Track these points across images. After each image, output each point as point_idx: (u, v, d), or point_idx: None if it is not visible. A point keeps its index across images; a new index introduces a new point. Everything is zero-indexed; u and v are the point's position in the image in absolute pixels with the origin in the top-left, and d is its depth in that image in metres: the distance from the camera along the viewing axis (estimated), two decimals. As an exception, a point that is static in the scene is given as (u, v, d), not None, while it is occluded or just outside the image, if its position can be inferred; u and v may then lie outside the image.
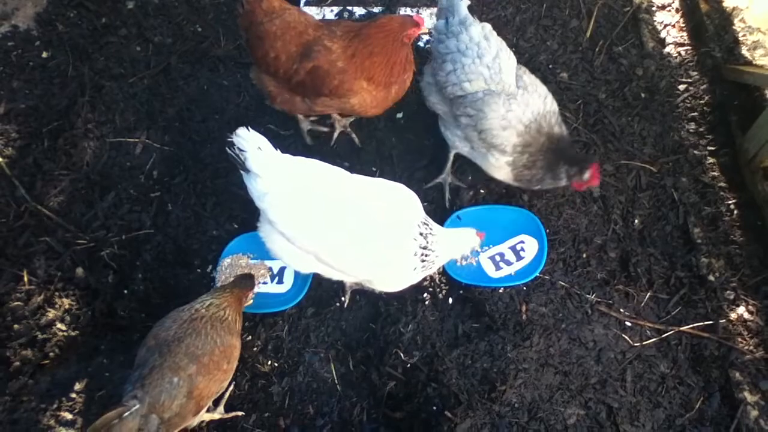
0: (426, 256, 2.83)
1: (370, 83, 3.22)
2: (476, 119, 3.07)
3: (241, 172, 2.73)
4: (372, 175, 3.47)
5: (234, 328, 2.77)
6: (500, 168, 3.20)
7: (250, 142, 2.64)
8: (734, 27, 4.15)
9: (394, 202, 2.85)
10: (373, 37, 3.14)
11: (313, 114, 3.52)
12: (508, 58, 3.10)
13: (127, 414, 2.35)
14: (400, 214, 2.82)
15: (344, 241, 2.74)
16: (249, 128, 2.67)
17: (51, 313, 3.24)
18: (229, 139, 2.67)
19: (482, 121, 3.05)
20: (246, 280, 3.00)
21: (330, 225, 2.72)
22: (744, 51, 4.03)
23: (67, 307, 3.28)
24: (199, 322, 2.66)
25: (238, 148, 2.64)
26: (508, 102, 3.01)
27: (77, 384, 3.05)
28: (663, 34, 4.26)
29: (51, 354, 3.13)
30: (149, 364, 2.50)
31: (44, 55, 4.24)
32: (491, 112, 3.01)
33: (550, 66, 4.05)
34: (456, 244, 2.95)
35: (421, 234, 2.80)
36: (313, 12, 4.10)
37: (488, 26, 3.15)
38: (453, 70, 3.08)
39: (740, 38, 4.08)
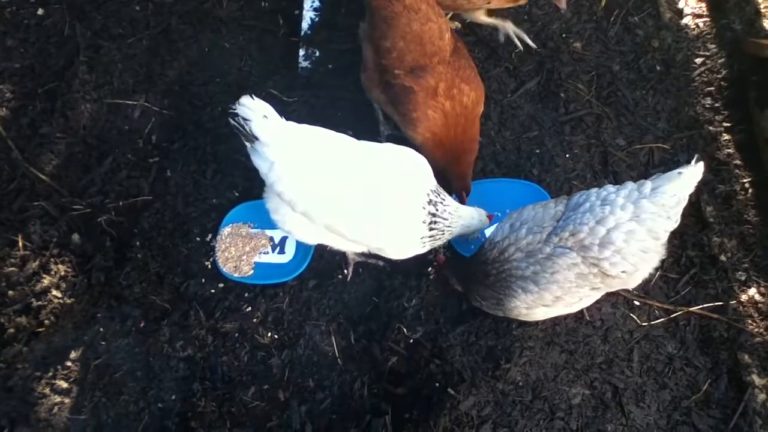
0: (435, 224, 2.77)
1: (433, 138, 3.09)
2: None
3: (246, 143, 2.63)
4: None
5: None
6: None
7: (255, 111, 2.54)
8: (756, -2, 3.99)
9: (404, 167, 2.79)
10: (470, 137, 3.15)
11: (378, 104, 3.34)
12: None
13: None
14: (411, 181, 2.76)
15: (356, 210, 2.68)
16: (253, 96, 2.57)
17: (46, 280, 3.17)
18: (232, 110, 2.56)
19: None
20: None
21: (341, 194, 2.66)
22: (765, 24, 3.88)
23: (62, 273, 3.21)
24: None
25: (242, 117, 2.54)
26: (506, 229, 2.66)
27: (73, 352, 3.02)
28: (681, 5, 4.10)
29: (46, 321, 3.07)
30: None
31: (40, 12, 4.07)
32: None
33: (563, 35, 3.90)
34: (465, 219, 2.88)
35: (430, 202, 2.75)
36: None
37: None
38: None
39: (762, 10, 3.92)
